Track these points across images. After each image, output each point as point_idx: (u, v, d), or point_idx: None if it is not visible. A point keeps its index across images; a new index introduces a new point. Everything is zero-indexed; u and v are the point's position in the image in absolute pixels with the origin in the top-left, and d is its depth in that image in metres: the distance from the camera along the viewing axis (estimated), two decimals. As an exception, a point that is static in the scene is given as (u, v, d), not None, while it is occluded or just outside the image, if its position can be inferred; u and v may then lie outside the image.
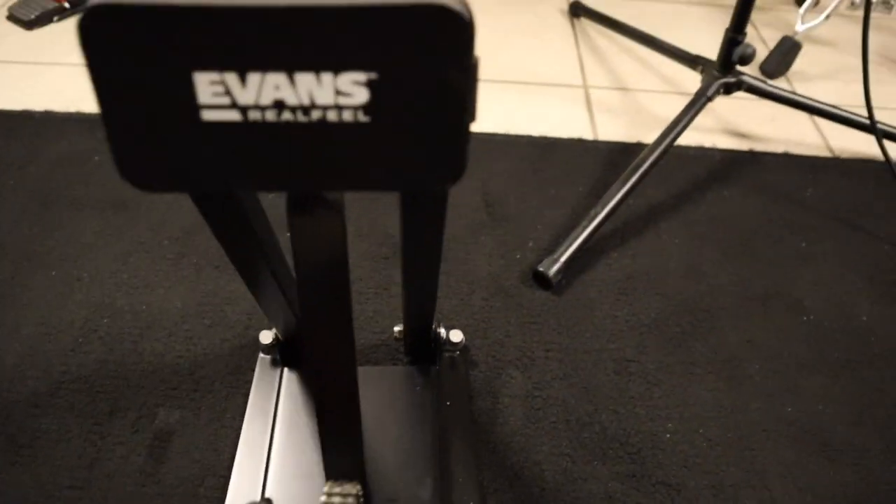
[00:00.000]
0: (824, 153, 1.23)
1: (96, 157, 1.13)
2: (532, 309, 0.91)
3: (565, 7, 1.64)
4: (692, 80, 1.31)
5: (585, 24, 1.55)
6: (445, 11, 0.31)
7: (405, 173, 0.36)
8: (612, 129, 1.24)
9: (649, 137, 1.08)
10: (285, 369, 0.80)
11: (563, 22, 1.58)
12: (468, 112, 0.34)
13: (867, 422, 0.83)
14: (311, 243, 0.46)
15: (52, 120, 1.21)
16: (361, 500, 0.42)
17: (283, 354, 0.80)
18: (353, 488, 0.40)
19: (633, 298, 0.94)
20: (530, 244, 1.00)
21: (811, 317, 0.94)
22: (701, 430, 0.81)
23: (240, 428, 0.77)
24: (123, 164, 0.35)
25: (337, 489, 0.39)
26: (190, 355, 0.86)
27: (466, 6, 0.31)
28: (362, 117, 0.35)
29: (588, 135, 1.22)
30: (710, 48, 1.18)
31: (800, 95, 1.16)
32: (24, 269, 0.95)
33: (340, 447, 0.60)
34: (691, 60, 1.19)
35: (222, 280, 0.94)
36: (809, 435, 0.82)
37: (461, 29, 0.31)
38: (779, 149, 1.22)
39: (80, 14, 0.30)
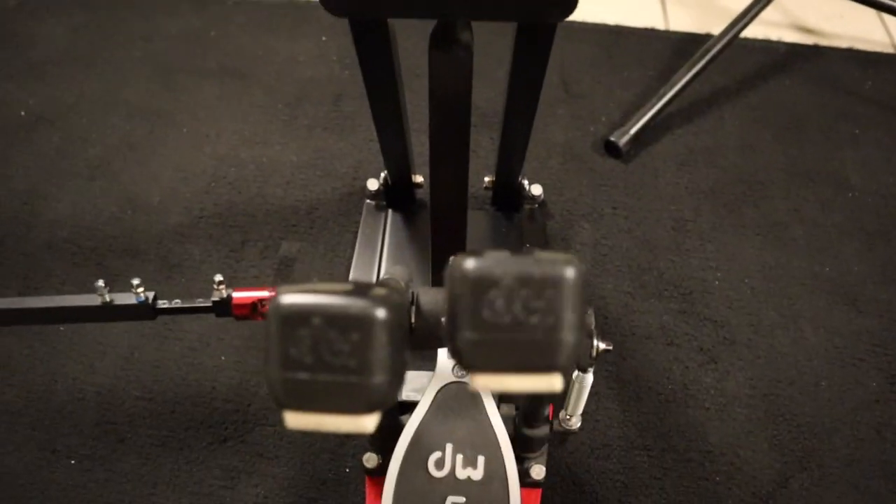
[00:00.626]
0: (888, 49, 1.28)
1: (212, 33, 1.25)
2: (602, 173, 1.03)
3: None
4: (764, -24, 1.36)
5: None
6: None
7: (528, 4, 0.47)
8: (683, 20, 1.31)
9: (720, 28, 1.16)
10: (390, 210, 0.94)
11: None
12: None
13: (894, 281, 0.94)
14: (444, 78, 0.58)
15: (169, -1, 1.34)
16: None
17: (389, 198, 0.94)
18: None
19: (693, 169, 1.04)
20: (603, 118, 1.11)
21: (855, 193, 1.04)
22: (746, 280, 0.93)
23: (351, 257, 0.92)
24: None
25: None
26: (306, 199, 1.00)
27: None
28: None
29: (660, 24, 1.29)
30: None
31: (869, -9, 1.21)
32: (158, 126, 1.10)
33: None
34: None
35: (331, 139, 1.07)
36: (842, 289, 0.93)
37: None
38: (843, 44, 1.28)
39: None
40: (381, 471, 0.65)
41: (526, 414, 0.63)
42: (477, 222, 0.93)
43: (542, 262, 0.31)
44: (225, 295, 0.61)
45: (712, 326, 0.89)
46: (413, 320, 0.49)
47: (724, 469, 0.77)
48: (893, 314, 0.91)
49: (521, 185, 0.93)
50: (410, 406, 0.62)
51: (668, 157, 1.06)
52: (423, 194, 0.93)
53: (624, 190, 1.01)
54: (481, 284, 0.31)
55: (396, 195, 0.94)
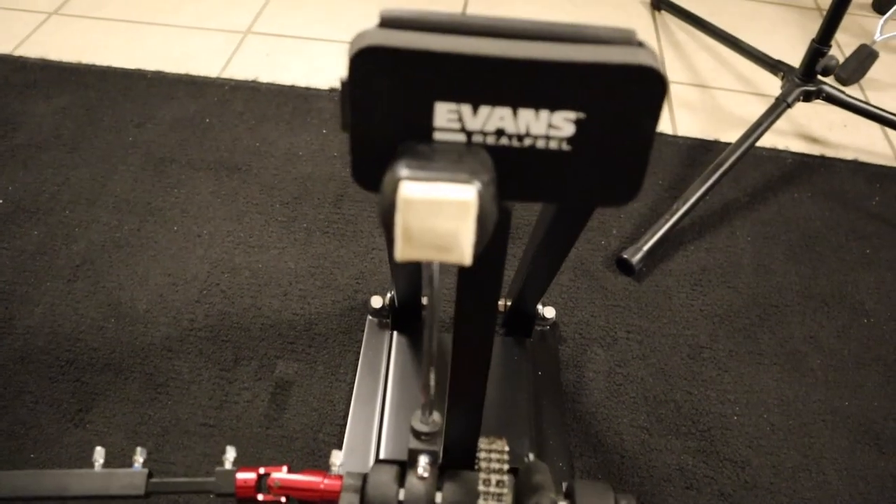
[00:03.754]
0: (892, 163, 1.28)
1: (207, 120, 1.21)
2: (615, 292, 0.99)
3: (643, -4, 1.68)
4: (770, 81, 1.36)
5: (667, 17, 1.59)
6: (649, 71, 0.38)
7: (593, 193, 0.44)
8: (690, 125, 1.30)
9: (727, 135, 1.14)
10: (395, 332, 0.89)
11: (645, 14, 1.62)
12: (651, 148, 0.42)
13: (919, 420, 0.91)
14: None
15: (163, 81, 1.29)
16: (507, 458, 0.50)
17: (394, 318, 0.89)
18: (503, 444, 0.48)
19: (707, 289, 1.01)
20: (614, 231, 1.07)
21: (871, 319, 1.01)
22: (765, 415, 0.89)
23: (353, 382, 0.86)
24: (357, 169, 0.43)
25: (494, 445, 0.48)
26: (304, 313, 0.95)
27: (663, 66, 0.38)
28: (566, 146, 0.42)
29: (668, 129, 1.28)
30: (784, 48, 1.22)
31: (874, 107, 1.20)
32: (148, 224, 1.05)
33: (462, 414, 0.69)
34: (772, 65, 1.23)
35: (331, 245, 1.02)
36: (864, 426, 0.89)
37: (659, 87, 0.38)
38: (848, 155, 1.27)
39: (353, 51, 0.37)
40: None
41: None
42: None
43: None
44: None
45: (732, 468, 0.84)
46: None
47: None
48: (918, 457, 0.87)
49: (536, 308, 0.89)
50: None
51: (682, 276, 1.02)
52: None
53: (637, 312, 0.97)
54: None
55: (403, 316, 0.89)
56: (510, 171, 0.44)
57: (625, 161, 0.43)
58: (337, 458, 0.54)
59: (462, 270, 0.55)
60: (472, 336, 0.62)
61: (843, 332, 0.99)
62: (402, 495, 0.45)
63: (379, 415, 0.82)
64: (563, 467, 0.80)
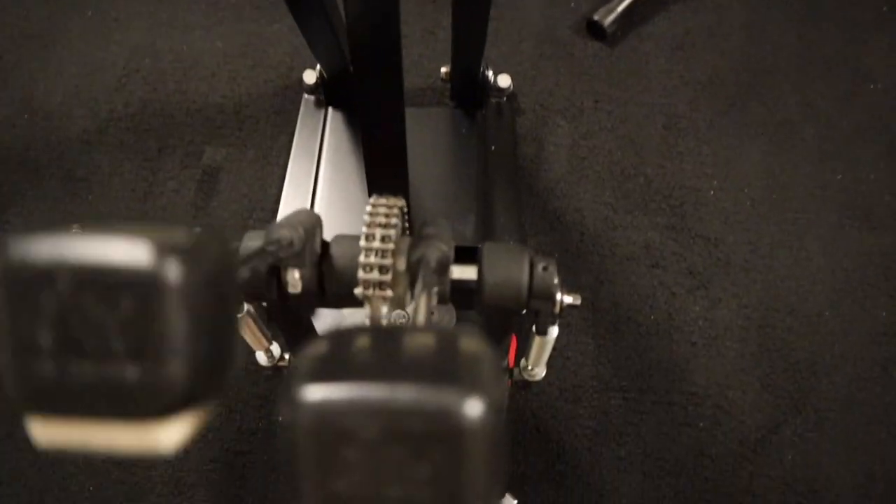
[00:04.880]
0: None
1: None
2: (583, 59, 0.87)
3: None
4: None
5: None
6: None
7: None
8: None
9: None
10: (330, 108, 0.79)
11: None
12: None
13: (919, 188, 0.81)
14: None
15: None
16: (406, 214, 0.42)
17: (328, 94, 0.79)
18: (398, 201, 0.40)
19: (691, 54, 0.89)
20: (586, -7, 0.94)
21: (878, 85, 0.89)
22: (746, 190, 0.80)
23: (285, 165, 0.78)
24: None
25: (382, 200, 0.39)
26: (234, 95, 0.85)
27: None
28: None
29: None
30: None
31: None
32: (58, 11, 0.93)
33: (387, 191, 0.61)
34: None
35: (263, 20, 0.90)
36: (855, 201, 0.80)
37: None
38: None
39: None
40: None
41: None
42: (432, 121, 0.79)
43: (424, 394, 0.18)
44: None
45: (704, 245, 0.77)
46: (323, 275, 0.39)
47: (710, 413, 0.67)
48: (912, 229, 0.79)
49: (486, 76, 0.78)
50: None
51: (662, 40, 0.90)
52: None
53: (608, 80, 0.86)
54: (328, 441, 0.18)
55: (336, 90, 0.79)
56: None
57: None
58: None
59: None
60: (377, 103, 0.53)
61: (843, 100, 0.87)
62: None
63: (311, 195, 0.74)
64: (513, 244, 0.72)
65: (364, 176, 0.64)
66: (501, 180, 0.75)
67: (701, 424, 0.67)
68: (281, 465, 0.20)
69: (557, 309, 0.42)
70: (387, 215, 0.39)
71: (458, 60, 0.72)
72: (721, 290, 0.73)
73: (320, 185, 0.75)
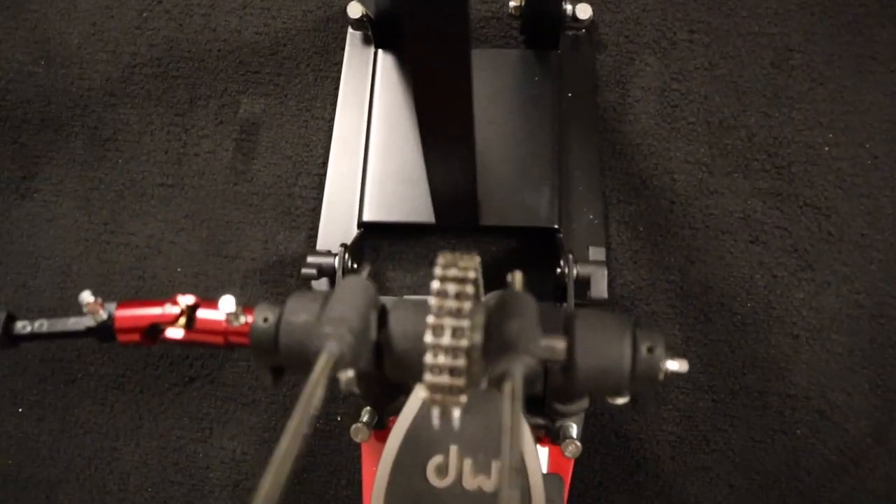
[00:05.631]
0: None
1: None
2: (678, -20, 0.73)
3: None
4: None
5: None
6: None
7: None
8: None
9: None
10: (380, 51, 0.68)
11: None
12: None
13: None
14: None
15: None
16: (479, 278, 0.34)
17: (376, 32, 0.68)
18: (471, 261, 0.32)
19: (811, -35, 0.73)
20: None
21: None
22: (867, 145, 0.68)
23: (332, 119, 0.69)
24: None
25: (452, 270, 0.31)
26: (269, 31, 0.74)
27: None
28: None
29: None
30: None
31: None
32: (66, -80, 0.81)
33: (449, 156, 0.51)
34: None
35: (297, -63, 0.77)
36: None
37: None
38: None
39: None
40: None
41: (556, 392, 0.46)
42: (498, 67, 0.67)
43: None
44: (105, 316, 0.40)
45: (814, 216, 0.66)
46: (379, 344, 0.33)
47: (808, 419, 0.61)
48: None
49: (561, 7, 0.65)
50: None
51: (776, -53, 0.74)
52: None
53: (706, 3, 0.72)
54: None
55: (386, 28, 0.67)
56: None
57: None
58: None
59: None
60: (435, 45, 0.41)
61: None
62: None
63: (363, 160, 0.65)
64: (595, 220, 0.64)
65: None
66: (579, 138, 0.65)
67: (798, 432, 0.61)
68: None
69: (662, 376, 0.35)
70: (458, 295, 0.31)
71: None
72: (830, 273, 0.64)
73: (372, 148, 0.66)
